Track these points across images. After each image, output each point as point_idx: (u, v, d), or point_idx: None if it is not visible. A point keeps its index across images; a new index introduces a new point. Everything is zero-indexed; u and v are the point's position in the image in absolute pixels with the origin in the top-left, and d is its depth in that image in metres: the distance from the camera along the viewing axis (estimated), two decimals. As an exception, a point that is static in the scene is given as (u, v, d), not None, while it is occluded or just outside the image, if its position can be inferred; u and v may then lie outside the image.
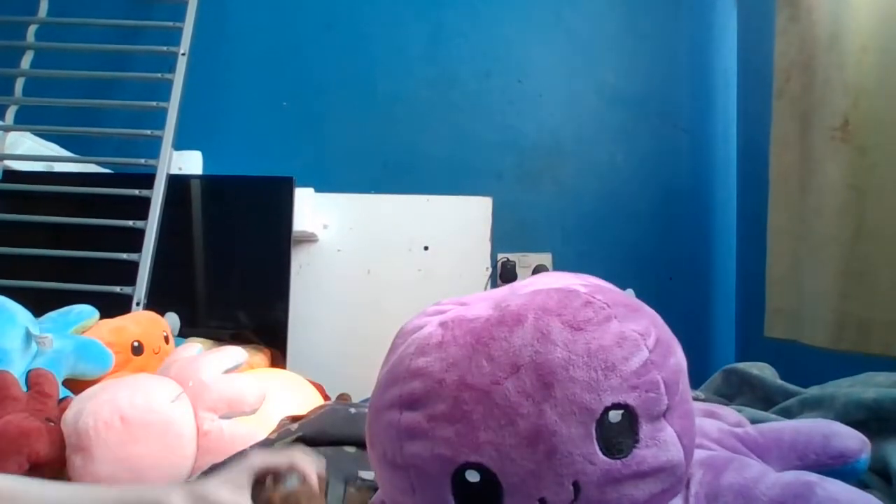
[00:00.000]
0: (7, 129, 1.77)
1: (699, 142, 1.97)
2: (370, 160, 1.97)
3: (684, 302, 1.84)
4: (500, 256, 1.90)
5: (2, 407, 0.94)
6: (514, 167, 1.96)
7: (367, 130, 1.97)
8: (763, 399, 0.90)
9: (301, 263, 1.88)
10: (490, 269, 1.89)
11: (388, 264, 1.88)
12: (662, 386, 0.41)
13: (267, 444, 0.84)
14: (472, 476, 0.39)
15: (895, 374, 0.82)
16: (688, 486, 0.44)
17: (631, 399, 0.40)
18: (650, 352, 0.42)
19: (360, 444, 0.81)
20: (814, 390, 0.86)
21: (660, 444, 0.41)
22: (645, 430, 0.41)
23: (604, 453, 0.39)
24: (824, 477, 0.44)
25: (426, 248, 1.89)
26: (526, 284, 0.47)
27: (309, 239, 1.88)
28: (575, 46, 1.99)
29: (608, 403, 0.39)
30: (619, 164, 1.96)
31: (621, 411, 0.40)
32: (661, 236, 1.92)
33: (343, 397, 1.56)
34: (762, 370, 0.96)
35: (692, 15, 1.99)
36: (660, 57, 1.98)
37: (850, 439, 0.53)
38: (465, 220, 1.91)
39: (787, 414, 0.82)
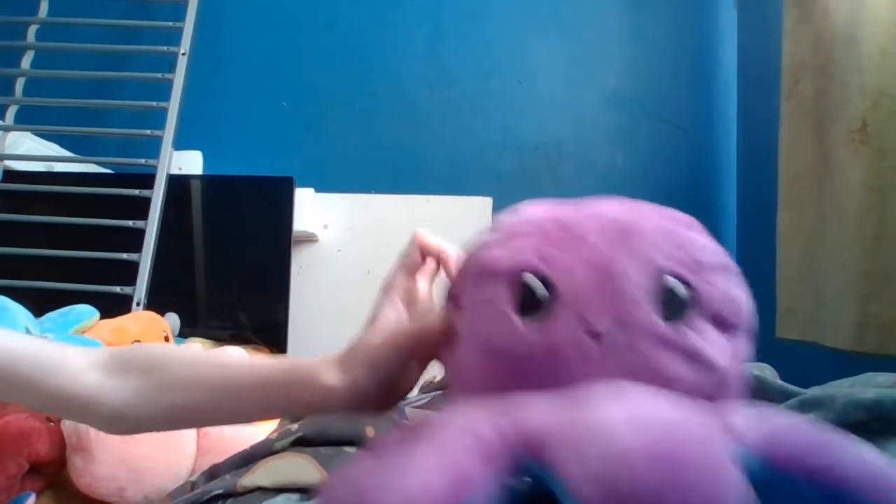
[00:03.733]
0: (7, 129, 1.77)
1: (699, 142, 1.97)
2: (370, 160, 1.97)
3: (684, 302, 1.83)
4: (500, 256, 1.91)
5: (2, 407, 0.94)
6: (514, 167, 1.96)
7: (367, 130, 1.97)
8: (763, 399, 0.90)
9: (301, 263, 1.88)
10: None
11: (388, 264, 1.85)
12: (723, 292, 0.43)
13: (267, 443, 0.84)
14: (535, 283, 0.42)
15: (895, 374, 0.82)
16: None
17: (692, 279, 0.42)
18: (721, 268, 0.44)
19: (361, 444, 0.81)
20: (814, 391, 0.86)
21: (706, 337, 0.42)
22: (699, 320, 0.42)
23: (656, 312, 0.41)
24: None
25: (426, 249, 1.89)
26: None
27: (309, 239, 1.88)
28: (575, 47, 2.00)
29: (676, 270, 0.41)
30: (619, 164, 1.96)
31: (682, 284, 0.41)
32: (661, 236, 1.92)
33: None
34: (762, 370, 0.96)
35: (692, 15, 1.99)
36: (660, 58, 1.98)
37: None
38: (465, 220, 1.90)
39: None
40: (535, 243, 0.43)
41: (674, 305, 0.41)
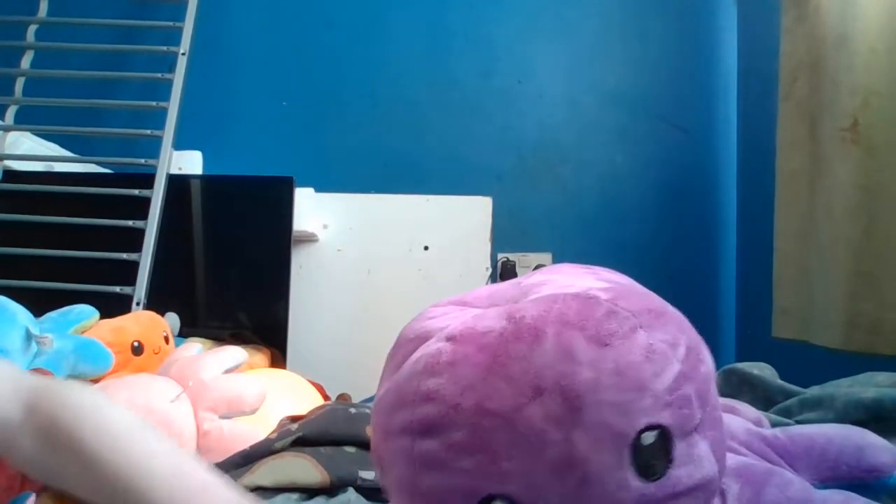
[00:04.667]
0: (7, 129, 1.77)
1: (699, 142, 1.97)
2: (370, 160, 1.97)
3: (684, 302, 1.81)
4: (500, 256, 1.91)
5: (2, 407, 0.94)
6: (514, 167, 1.96)
7: (367, 130, 1.97)
8: (763, 399, 0.90)
9: (301, 263, 1.88)
10: (490, 269, 1.89)
11: (388, 264, 1.88)
12: (695, 399, 0.39)
13: (267, 443, 0.84)
14: None
15: (895, 374, 0.82)
16: (724, 499, 0.42)
17: (664, 418, 0.37)
18: (681, 363, 0.39)
19: (361, 444, 0.81)
20: (814, 390, 0.86)
21: (694, 460, 0.39)
22: (679, 448, 0.38)
23: (638, 477, 0.37)
24: (871, 502, 0.43)
25: (426, 248, 1.89)
26: (536, 284, 0.44)
27: (309, 239, 1.88)
28: (575, 46, 1.99)
29: (641, 426, 0.37)
30: (619, 164, 1.96)
31: (655, 432, 0.37)
32: (661, 236, 1.92)
33: (343, 397, 1.56)
34: (762, 370, 0.96)
35: (692, 15, 1.99)
36: (660, 57, 1.98)
37: (884, 453, 0.51)
38: (465, 220, 1.90)
39: (787, 414, 0.82)
40: (484, 462, 0.36)
41: (655, 456, 0.37)
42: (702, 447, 0.39)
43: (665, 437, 0.37)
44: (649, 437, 0.36)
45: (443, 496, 0.38)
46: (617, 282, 0.43)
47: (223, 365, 1.05)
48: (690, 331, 0.42)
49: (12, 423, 0.48)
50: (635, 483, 0.36)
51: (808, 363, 1.20)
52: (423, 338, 0.42)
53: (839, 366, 0.92)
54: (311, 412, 0.95)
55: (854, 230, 1.14)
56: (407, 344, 0.43)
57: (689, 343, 0.41)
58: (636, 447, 0.36)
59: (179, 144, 1.73)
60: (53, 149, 1.85)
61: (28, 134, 1.81)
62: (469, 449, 0.36)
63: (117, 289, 1.56)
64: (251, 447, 0.85)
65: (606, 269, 0.45)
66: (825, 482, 0.52)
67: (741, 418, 0.61)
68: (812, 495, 0.43)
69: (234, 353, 1.09)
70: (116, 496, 0.46)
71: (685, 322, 0.42)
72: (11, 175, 1.73)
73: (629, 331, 0.38)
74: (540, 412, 0.36)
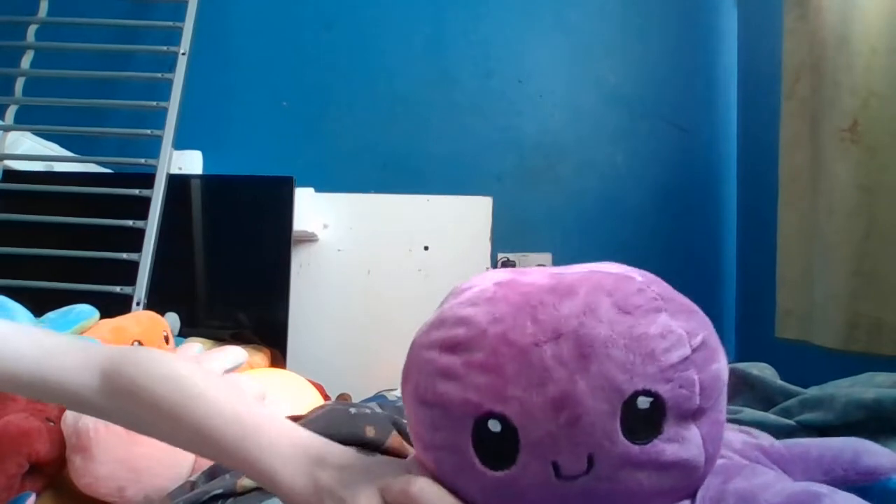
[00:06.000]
0: (7, 129, 1.77)
1: (699, 142, 1.97)
2: (370, 160, 1.97)
3: (684, 302, 1.83)
4: (500, 256, 1.91)
5: (2, 407, 0.94)
6: (514, 167, 1.96)
7: (367, 130, 1.97)
8: (763, 399, 0.90)
9: (301, 263, 1.88)
10: (490, 269, 1.89)
11: (388, 264, 1.88)
12: (697, 386, 0.41)
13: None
14: (494, 426, 0.40)
15: (895, 374, 0.82)
16: (693, 498, 0.44)
17: (662, 390, 0.40)
18: (693, 351, 0.42)
19: (361, 444, 0.81)
20: (814, 390, 0.86)
21: (682, 441, 0.41)
22: (671, 424, 0.41)
23: (625, 436, 0.40)
24: (836, 489, 0.43)
25: (426, 248, 1.90)
26: (583, 265, 0.48)
27: (309, 239, 1.88)
28: (575, 46, 1.99)
29: (639, 388, 0.40)
30: (620, 164, 1.96)
31: (650, 399, 0.40)
32: (661, 236, 1.92)
33: (343, 397, 1.56)
34: (762, 370, 0.96)
35: (692, 15, 1.99)
36: (660, 57, 1.98)
37: (882, 457, 0.52)
38: (465, 220, 1.91)
39: (787, 414, 0.82)
40: (491, 380, 0.41)
41: (645, 422, 0.40)
42: (694, 434, 0.41)
43: (659, 407, 0.40)
44: (644, 403, 0.39)
45: (450, 404, 0.42)
46: (658, 280, 0.47)
47: (223, 365, 1.05)
48: (714, 335, 0.45)
49: (91, 388, 0.55)
50: (621, 439, 0.39)
51: (810, 363, 1.20)
52: (475, 284, 0.48)
53: (840, 366, 0.92)
54: (311, 412, 0.95)
55: (855, 230, 1.14)
56: (459, 291, 0.48)
57: (708, 341, 0.43)
58: (629, 406, 0.39)
59: (179, 144, 1.73)
60: (53, 149, 1.85)
61: (28, 134, 1.81)
62: (484, 368, 0.41)
63: (117, 289, 1.56)
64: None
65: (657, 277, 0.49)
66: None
67: (744, 434, 0.61)
68: (777, 483, 0.43)
69: (234, 354, 1.09)
70: (193, 439, 0.54)
71: (711, 327, 0.45)
72: (11, 175, 1.73)
73: (653, 309, 0.42)
74: (553, 352, 0.40)
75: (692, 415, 0.42)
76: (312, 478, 0.48)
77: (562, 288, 0.43)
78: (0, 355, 0.55)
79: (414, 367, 0.45)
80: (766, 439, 0.65)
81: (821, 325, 1.21)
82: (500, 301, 0.43)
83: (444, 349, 0.43)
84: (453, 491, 0.43)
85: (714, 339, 0.44)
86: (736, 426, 0.69)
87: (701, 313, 0.45)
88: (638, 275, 0.45)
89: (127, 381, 0.55)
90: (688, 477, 0.42)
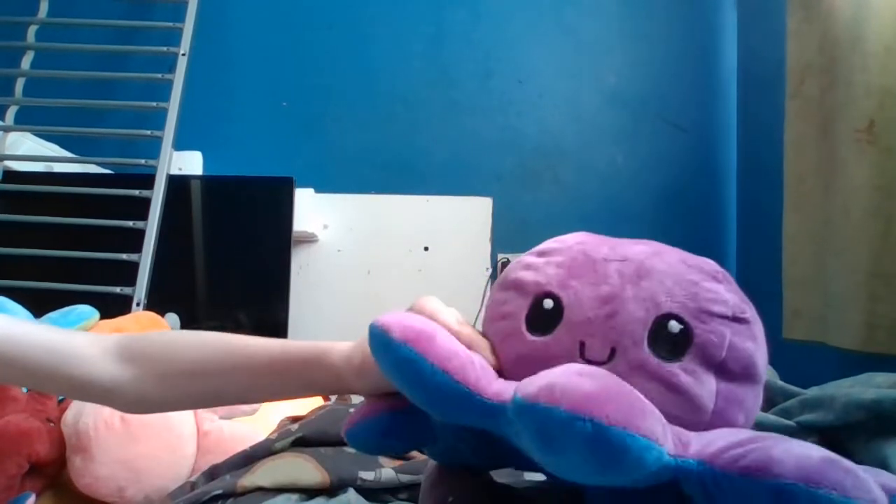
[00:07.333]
0: (7, 129, 1.77)
1: (699, 142, 1.97)
2: (370, 160, 1.97)
3: (684, 302, 1.83)
4: (500, 257, 1.91)
5: (2, 407, 0.95)
6: (514, 167, 1.96)
7: (367, 130, 1.97)
8: (763, 400, 0.90)
9: (301, 263, 1.88)
10: (490, 270, 1.89)
11: (388, 264, 1.88)
12: (727, 342, 0.44)
13: (267, 444, 0.84)
14: (548, 304, 0.47)
15: (895, 374, 0.82)
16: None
17: (694, 324, 0.44)
18: (733, 317, 0.45)
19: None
20: (814, 391, 0.86)
21: (698, 378, 0.44)
22: (692, 358, 0.44)
23: (650, 346, 0.44)
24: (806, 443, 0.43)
25: (426, 249, 1.90)
26: None
27: (309, 239, 1.88)
28: (575, 47, 2.00)
29: (674, 311, 0.44)
30: (620, 164, 1.96)
31: (681, 327, 0.44)
32: (661, 236, 1.90)
33: (343, 397, 1.56)
34: (762, 370, 0.96)
35: (693, 15, 1.99)
36: (660, 57, 1.98)
37: (887, 478, 0.52)
38: (465, 220, 1.91)
39: (787, 414, 0.82)
40: (560, 272, 0.49)
41: (671, 345, 0.44)
42: (710, 381, 0.44)
43: (687, 338, 0.44)
44: (675, 327, 0.44)
45: (523, 285, 0.50)
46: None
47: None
48: (760, 330, 0.48)
49: (108, 378, 0.56)
50: (645, 346, 0.44)
51: (821, 365, 1.20)
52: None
53: (855, 367, 0.91)
54: (311, 412, 0.95)
55: (872, 231, 1.13)
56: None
57: (753, 323, 0.47)
58: (661, 324, 0.44)
59: (179, 144, 1.73)
60: (53, 149, 1.85)
61: (28, 134, 1.81)
62: (559, 263, 0.49)
63: (117, 289, 1.56)
64: (251, 447, 0.85)
65: None
66: None
67: None
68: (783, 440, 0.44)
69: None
70: (226, 388, 0.57)
71: (761, 326, 0.49)
72: (11, 175, 1.73)
73: (712, 277, 0.47)
74: (618, 268, 0.47)
75: (716, 367, 0.44)
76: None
77: (640, 241, 0.51)
78: (17, 345, 0.55)
79: (505, 271, 0.53)
80: None
81: (836, 326, 1.20)
82: (586, 238, 0.53)
83: (534, 254, 0.52)
84: (501, 346, 0.49)
85: (758, 330, 0.47)
86: None
87: (755, 311, 0.49)
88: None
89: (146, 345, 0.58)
90: (691, 412, 0.43)
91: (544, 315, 0.47)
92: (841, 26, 1.21)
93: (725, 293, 0.46)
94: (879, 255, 1.12)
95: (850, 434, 0.74)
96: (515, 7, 1.99)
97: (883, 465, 0.65)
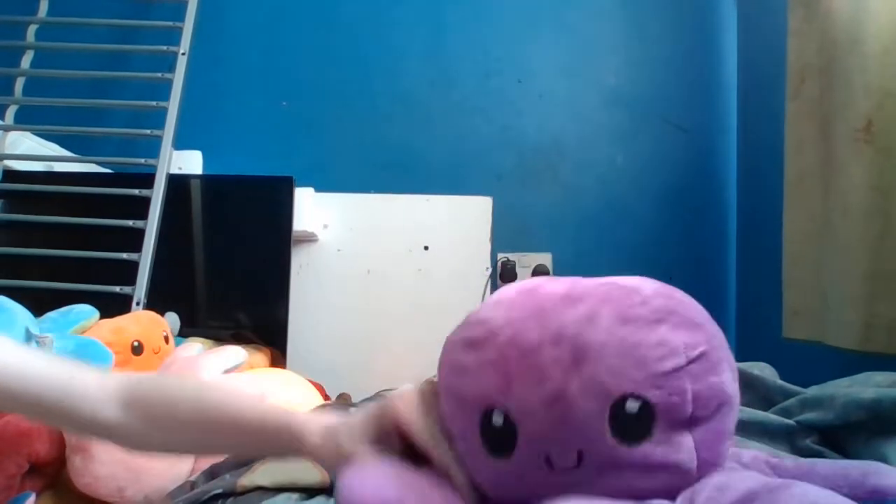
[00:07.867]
0: (7, 129, 1.77)
1: (699, 142, 1.97)
2: (370, 160, 1.97)
3: (684, 302, 1.83)
4: (500, 256, 1.91)
5: (2, 407, 0.94)
6: (514, 167, 1.96)
7: (367, 130, 1.97)
8: (763, 399, 0.90)
9: (301, 263, 1.88)
10: (490, 269, 1.89)
11: (388, 264, 1.88)
12: (689, 395, 0.43)
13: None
14: (498, 419, 0.45)
15: (894, 374, 0.82)
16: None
17: (652, 395, 0.42)
18: (688, 362, 0.43)
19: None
20: (813, 390, 0.86)
21: (672, 445, 0.43)
22: (661, 429, 0.42)
23: (615, 436, 0.42)
24: (808, 485, 0.43)
25: (426, 248, 1.90)
26: (606, 278, 0.51)
27: (309, 239, 1.88)
28: (575, 47, 2.00)
29: (627, 391, 0.42)
30: (620, 164, 1.96)
31: (639, 403, 0.42)
32: (661, 236, 1.92)
33: (343, 397, 1.56)
34: (762, 370, 0.96)
35: (693, 15, 1.99)
36: (660, 57, 1.98)
37: (891, 478, 0.52)
38: (465, 220, 1.91)
39: (787, 414, 0.82)
40: (497, 378, 0.45)
41: (634, 423, 0.42)
42: (686, 440, 0.43)
43: (649, 412, 0.42)
44: (633, 406, 0.42)
45: (463, 397, 0.47)
46: (674, 294, 0.49)
47: (223, 365, 1.06)
48: (722, 349, 0.46)
49: (114, 421, 0.57)
50: (609, 437, 0.42)
51: (821, 364, 1.20)
52: (506, 289, 0.52)
53: (854, 367, 0.91)
54: (311, 412, 0.95)
55: (870, 231, 1.13)
56: (497, 292, 0.53)
57: (709, 354, 0.45)
58: (618, 408, 0.42)
59: (179, 144, 1.73)
60: (53, 149, 1.85)
61: (28, 134, 1.81)
62: (493, 367, 0.46)
63: (117, 289, 1.56)
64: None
65: (684, 294, 0.50)
66: None
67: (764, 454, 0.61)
68: (758, 477, 0.44)
69: (234, 354, 1.09)
70: (214, 443, 0.61)
71: (721, 341, 0.47)
72: (11, 175, 1.73)
73: (653, 321, 0.44)
74: (552, 355, 0.43)
75: (686, 422, 0.43)
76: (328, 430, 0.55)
77: (572, 296, 0.46)
78: (24, 379, 0.55)
79: (444, 360, 0.51)
80: (789, 460, 0.65)
81: (835, 326, 1.20)
82: (517, 307, 0.48)
83: (465, 346, 0.48)
84: (469, 472, 0.48)
85: (718, 354, 0.46)
86: (765, 453, 0.69)
87: (709, 327, 0.47)
88: (650, 289, 0.47)
89: (148, 389, 0.60)
90: (678, 479, 0.43)
91: (498, 433, 0.45)
92: (839, 27, 1.21)
93: (672, 337, 0.44)
94: (877, 254, 1.12)
95: (850, 433, 0.74)
96: (515, 7, 1.99)
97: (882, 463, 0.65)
